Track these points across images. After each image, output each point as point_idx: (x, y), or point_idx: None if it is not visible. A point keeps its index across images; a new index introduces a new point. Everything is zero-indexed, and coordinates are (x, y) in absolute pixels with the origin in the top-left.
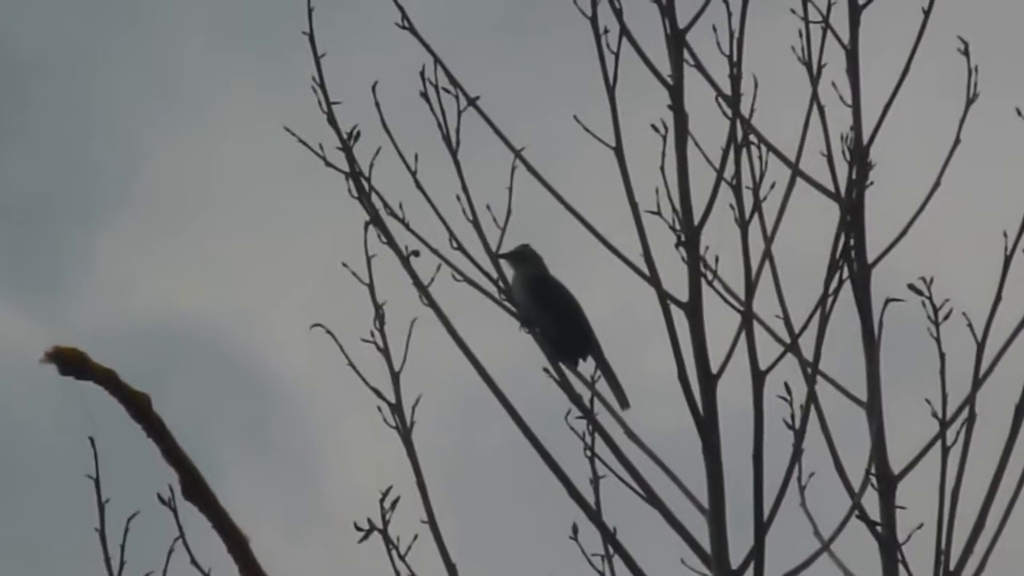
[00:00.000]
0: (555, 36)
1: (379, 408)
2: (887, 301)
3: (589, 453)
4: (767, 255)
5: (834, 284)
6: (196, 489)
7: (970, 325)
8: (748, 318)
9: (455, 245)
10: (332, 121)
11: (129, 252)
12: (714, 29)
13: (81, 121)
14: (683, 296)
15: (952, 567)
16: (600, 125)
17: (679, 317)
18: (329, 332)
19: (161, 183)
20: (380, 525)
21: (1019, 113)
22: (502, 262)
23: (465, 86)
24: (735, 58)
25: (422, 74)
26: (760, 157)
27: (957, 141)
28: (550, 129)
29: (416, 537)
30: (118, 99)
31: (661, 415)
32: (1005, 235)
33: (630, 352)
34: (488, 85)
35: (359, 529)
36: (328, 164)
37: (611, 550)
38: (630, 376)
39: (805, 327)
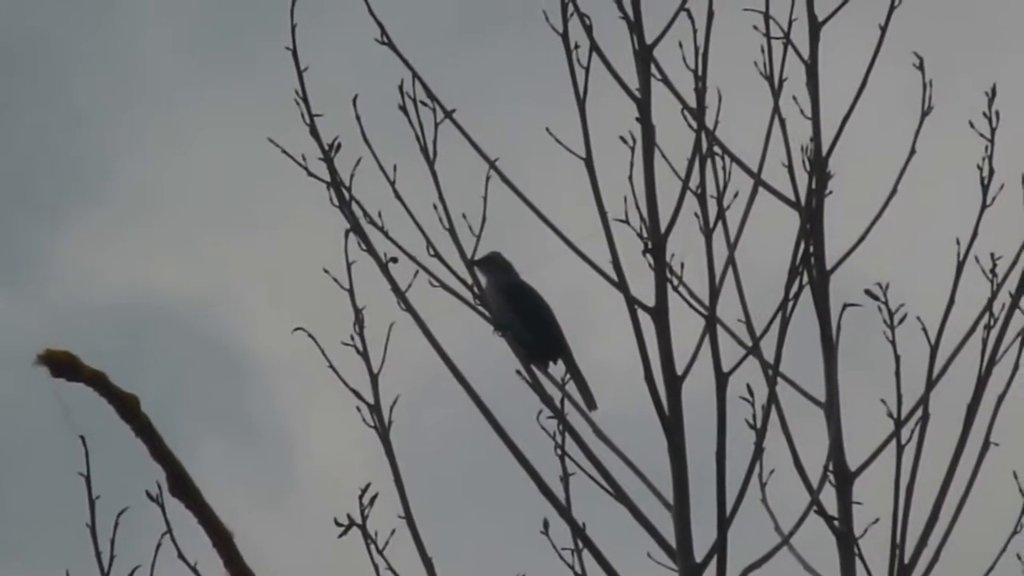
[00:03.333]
0: (528, 51)
1: (358, 408)
2: (845, 306)
3: (559, 452)
4: (730, 261)
5: (794, 289)
6: (182, 486)
7: (924, 329)
8: (712, 322)
9: (432, 252)
10: (314, 133)
11: (104, 245)
12: (680, 45)
13: (57, 119)
14: (650, 301)
15: (907, 560)
16: (571, 136)
17: (646, 321)
18: (311, 336)
19: (137, 183)
20: (359, 520)
21: (971, 125)
22: (476, 268)
23: (441, 98)
24: (700, 72)
25: (400, 88)
26: (724, 167)
27: (912, 152)
28: (523, 139)
29: (393, 532)
30: (97, 103)
31: (628, 415)
32: (958, 242)
33: (597, 354)
34: (463, 97)
35: (339, 524)
36: (310, 174)
37: (580, 545)
38: (597, 377)
39: (766, 331)
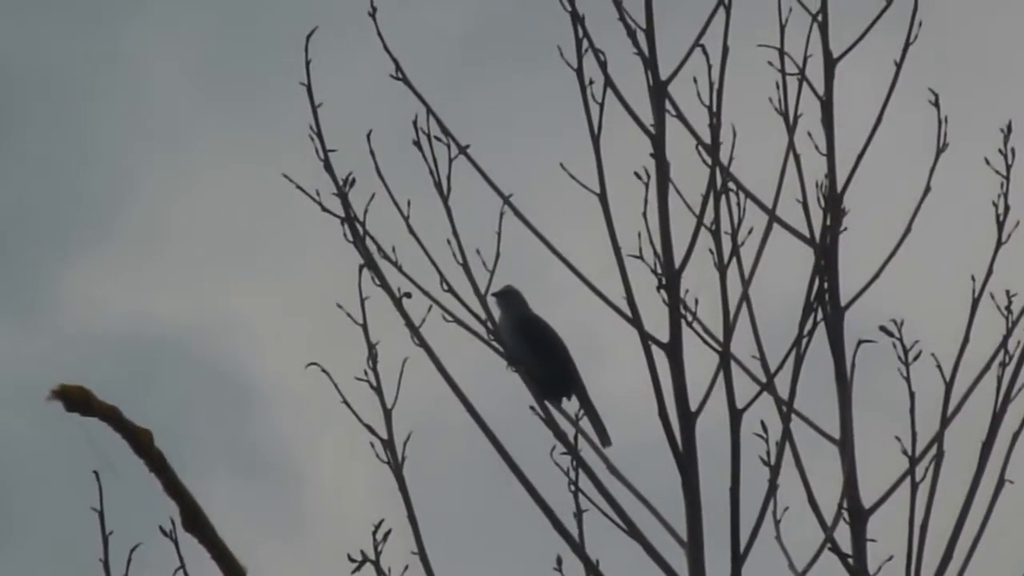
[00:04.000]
0: (543, 86)
1: (371, 444)
2: (859, 342)
3: (573, 488)
4: (744, 298)
5: (808, 326)
6: (196, 521)
7: (939, 366)
8: (726, 358)
9: (446, 287)
10: (329, 168)
11: (112, 277)
12: (695, 81)
13: (66, 150)
14: (664, 337)
15: None
16: (585, 171)
17: (660, 357)
18: (324, 371)
19: (147, 216)
20: (373, 556)
21: (987, 162)
22: (490, 302)
23: (456, 134)
24: (715, 108)
25: (415, 123)
26: (738, 204)
27: (927, 189)
28: (537, 175)
29: (407, 568)
30: (106, 134)
31: (641, 451)
32: (973, 279)
33: (611, 390)
34: (478, 132)
35: (352, 560)
36: (324, 209)
37: None
38: (611, 413)
39: (780, 367)
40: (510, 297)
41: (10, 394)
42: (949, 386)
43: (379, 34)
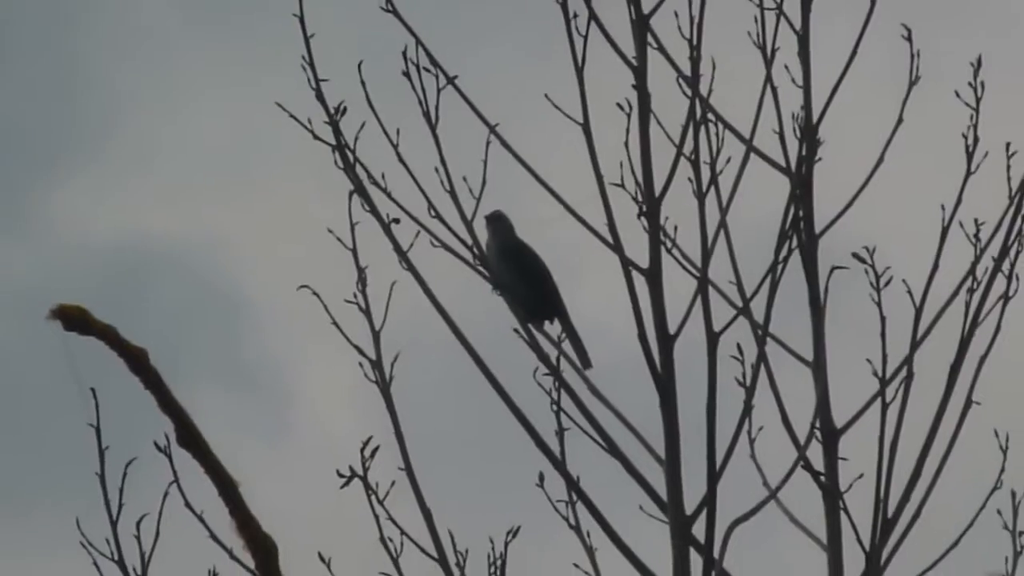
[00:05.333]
0: (528, 19)
1: (360, 364)
2: (832, 269)
3: (555, 407)
4: (722, 225)
5: (784, 253)
6: (189, 437)
7: (909, 291)
8: (704, 283)
9: (433, 213)
10: (320, 97)
11: (105, 195)
12: (676, 15)
13: (60, 72)
14: (644, 263)
15: (890, 514)
16: (569, 102)
17: (640, 282)
18: (315, 293)
19: (139, 138)
20: (360, 472)
21: (957, 95)
22: (480, 224)
23: (444, 64)
24: (695, 42)
25: (404, 54)
26: (717, 134)
27: (900, 120)
28: (523, 105)
29: (393, 484)
30: (99, 58)
31: (621, 372)
32: (943, 208)
33: (592, 313)
34: (465, 63)
35: (341, 476)
36: (316, 137)
37: (575, 497)
38: (592, 336)
39: (756, 292)
40: (499, 223)
41: (7, 308)
42: (919, 311)
43: None
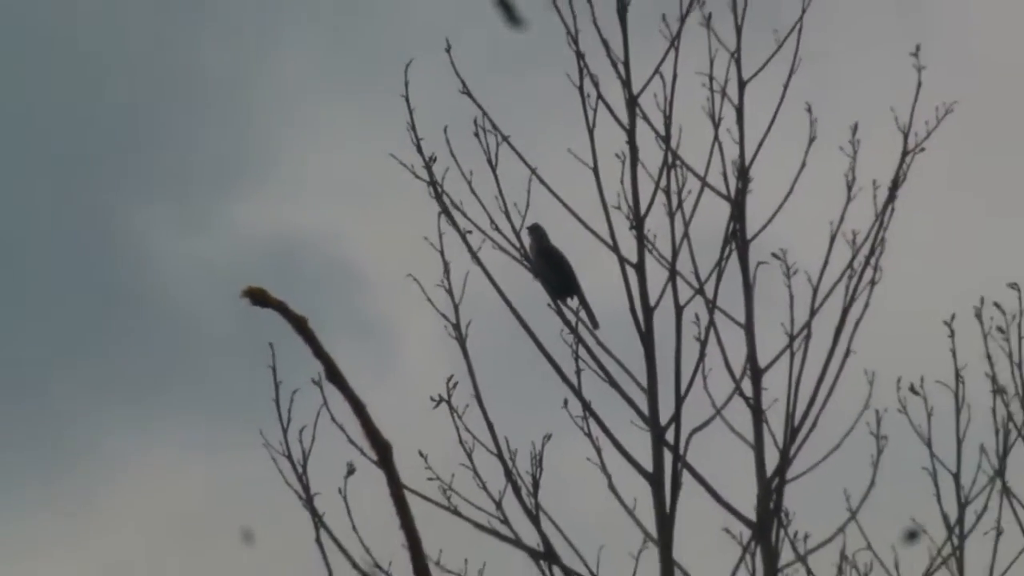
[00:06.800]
0: (557, 97)
1: (445, 327)
2: (758, 263)
3: (575, 355)
4: (685, 235)
5: (726, 252)
6: (334, 375)
7: (809, 279)
8: (673, 273)
9: (494, 227)
10: (419, 150)
11: (272, 206)
12: (655, 96)
13: (237, 125)
14: (633, 259)
15: (796, 425)
16: (584, 151)
17: (631, 272)
18: (416, 280)
19: (295, 169)
20: (446, 397)
21: (841, 149)
22: (523, 234)
23: (501, 126)
24: (667, 113)
25: (475, 121)
26: (682, 174)
27: (804, 164)
28: (553, 154)
29: (467, 406)
30: (268, 112)
31: (619, 332)
32: (831, 223)
33: (598, 293)
34: (514, 125)
35: (432, 400)
36: (416, 176)
37: (587, 414)
38: (599, 308)
39: (708, 278)
40: (536, 232)
41: (207, 288)
42: (815, 290)
43: (452, 65)
